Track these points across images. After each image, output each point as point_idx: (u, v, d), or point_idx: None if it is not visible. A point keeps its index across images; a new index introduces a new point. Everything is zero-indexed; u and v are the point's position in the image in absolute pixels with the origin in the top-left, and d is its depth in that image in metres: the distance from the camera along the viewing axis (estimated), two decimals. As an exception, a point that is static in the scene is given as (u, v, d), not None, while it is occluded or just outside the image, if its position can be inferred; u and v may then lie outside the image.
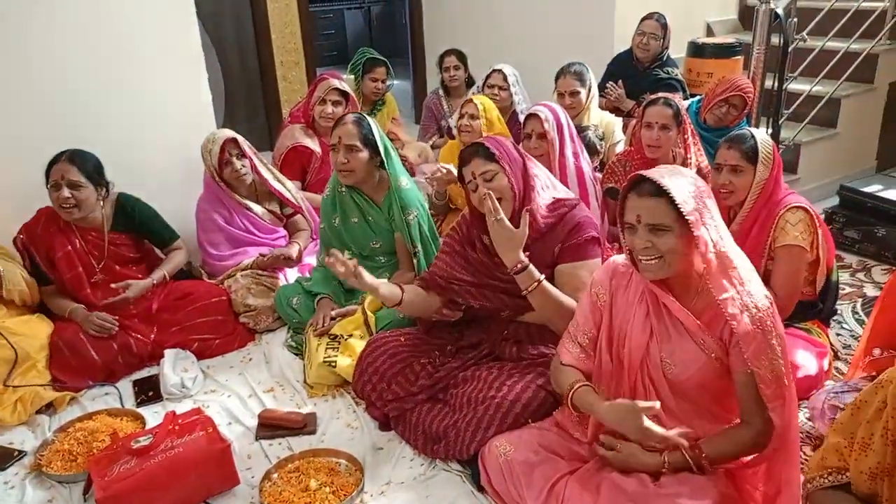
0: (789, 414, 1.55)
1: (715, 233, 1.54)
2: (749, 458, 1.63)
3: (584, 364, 1.77)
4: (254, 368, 2.54)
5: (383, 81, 4.07)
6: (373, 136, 2.47)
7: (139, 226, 2.65)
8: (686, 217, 1.49)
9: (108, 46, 2.84)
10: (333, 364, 2.31)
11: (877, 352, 2.03)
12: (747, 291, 1.53)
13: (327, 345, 2.36)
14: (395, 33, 7.95)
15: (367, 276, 1.98)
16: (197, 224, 2.92)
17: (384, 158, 2.50)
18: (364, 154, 2.47)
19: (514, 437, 1.83)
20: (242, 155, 2.87)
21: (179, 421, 1.99)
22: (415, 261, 2.58)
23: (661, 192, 1.52)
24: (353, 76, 4.04)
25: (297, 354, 2.56)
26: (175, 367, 2.42)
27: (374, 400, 2.18)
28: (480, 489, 1.87)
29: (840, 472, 1.29)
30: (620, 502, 1.58)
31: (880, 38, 3.84)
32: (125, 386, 2.44)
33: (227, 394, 2.39)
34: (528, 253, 1.94)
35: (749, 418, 1.58)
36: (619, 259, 1.76)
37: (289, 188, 3.06)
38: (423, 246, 2.57)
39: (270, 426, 2.16)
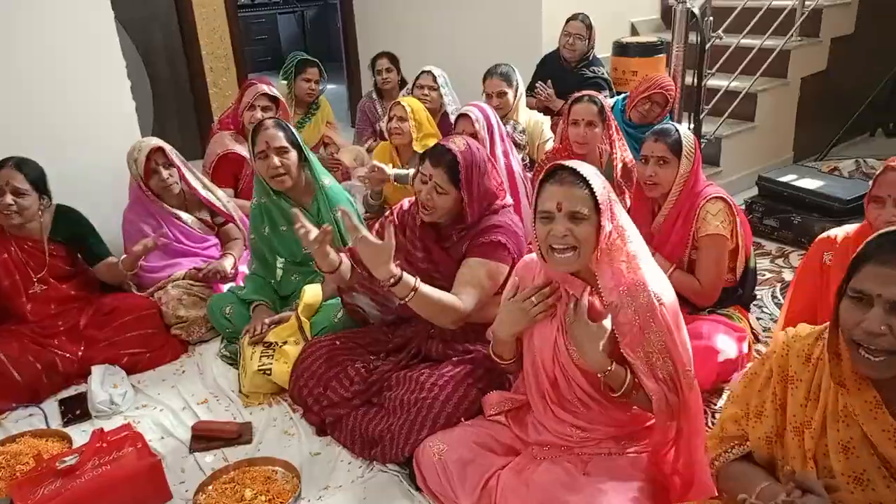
0: (682, 407, 1.60)
1: (618, 226, 1.59)
2: (659, 440, 1.66)
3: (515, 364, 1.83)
4: (187, 381, 2.49)
5: (317, 82, 4.04)
6: (295, 136, 2.47)
7: (76, 238, 2.58)
8: (600, 206, 1.55)
9: (27, 57, 2.76)
10: (269, 371, 2.29)
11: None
12: (636, 284, 1.56)
13: (262, 353, 2.34)
14: (328, 37, 7.91)
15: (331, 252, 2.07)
16: (124, 235, 2.84)
17: (308, 158, 2.51)
18: (294, 155, 2.46)
19: (447, 436, 1.85)
20: (169, 164, 2.82)
21: (107, 438, 1.94)
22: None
23: (581, 181, 1.56)
24: (285, 81, 4.00)
25: (231, 364, 2.52)
26: (103, 384, 2.36)
27: (311, 405, 2.17)
28: (419, 488, 1.88)
29: (742, 443, 1.36)
30: (551, 491, 1.62)
31: (791, 35, 4.03)
32: (51, 406, 2.36)
33: (160, 408, 2.34)
34: (447, 244, 1.97)
35: None
36: (528, 258, 1.80)
37: (219, 197, 3.01)
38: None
39: (205, 438, 2.13)
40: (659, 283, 1.60)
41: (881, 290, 1.10)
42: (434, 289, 1.92)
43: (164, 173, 2.79)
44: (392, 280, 1.84)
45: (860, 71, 4.57)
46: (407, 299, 1.87)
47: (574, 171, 1.57)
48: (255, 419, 2.24)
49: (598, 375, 1.59)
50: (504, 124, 3.30)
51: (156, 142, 2.81)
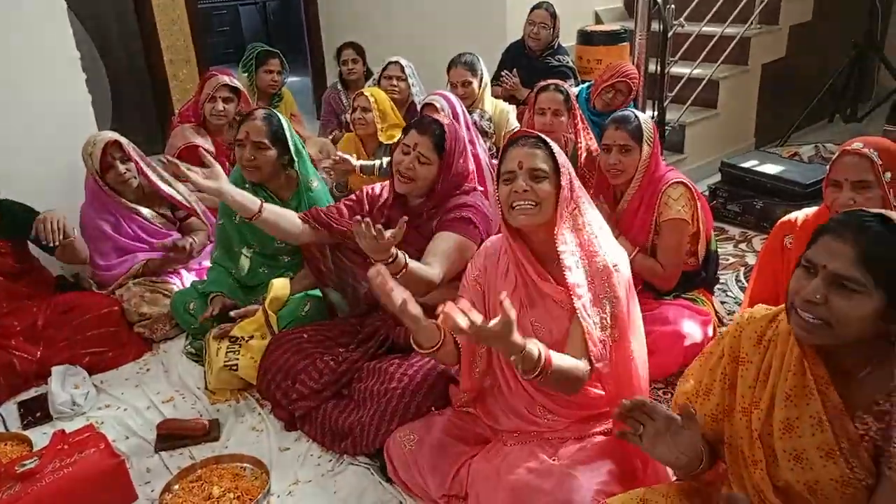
0: (622, 380, 1.64)
1: (576, 196, 1.64)
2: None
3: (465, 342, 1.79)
4: (151, 379, 2.44)
5: (279, 73, 3.98)
6: (283, 133, 2.40)
7: (21, 230, 2.49)
8: (560, 167, 1.61)
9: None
10: (235, 367, 2.26)
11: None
12: (592, 249, 1.62)
13: (227, 348, 2.30)
14: (292, 29, 7.78)
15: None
16: (82, 232, 2.76)
17: (294, 158, 2.45)
18: (272, 152, 2.40)
19: (417, 426, 1.85)
20: (126, 158, 2.74)
21: (69, 440, 1.89)
22: (321, 264, 2.53)
23: (541, 143, 1.65)
24: (245, 73, 3.93)
25: (196, 361, 2.48)
26: (64, 385, 2.30)
27: (280, 399, 2.15)
28: (389, 480, 1.88)
29: None
30: (521, 478, 1.62)
31: (751, 23, 4.09)
32: (9, 408, 2.30)
33: (124, 407, 2.29)
34: (418, 222, 2.00)
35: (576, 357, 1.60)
36: (489, 242, 1.81)
37: (180, 190, 2.94)
38: (331, 247, 2.54)
39: (170, 437, 2.09)
40: (613, 252, 1.65)
41: (827, 261, 1.14)
42: (417, 263, 1.91)
43: (121, 168, 2.71)
44: (388, 261, 1.80)
45: (818, 58, 4.66)
46: (396, 277, 1.82)
47: (535, 136, 1.66)
48: (222, 416, 2.20)
49: (511, 359, 1.46)
50: (470, 113, 3.30)
51: (111, 135, 2.73)
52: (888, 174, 1.79)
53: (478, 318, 1.36)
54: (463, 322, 1.35)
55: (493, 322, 1.35)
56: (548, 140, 1.65)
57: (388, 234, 1.75)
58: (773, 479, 1.25)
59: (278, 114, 2.48)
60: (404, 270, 1.85)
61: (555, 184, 1.62)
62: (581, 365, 1.57)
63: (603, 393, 1.74)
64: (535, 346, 1.44)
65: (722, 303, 2.75)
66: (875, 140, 1.86)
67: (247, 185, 2.51)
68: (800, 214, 2.08)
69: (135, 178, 2.78)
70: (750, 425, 1.27)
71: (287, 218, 2.16)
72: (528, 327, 1.70)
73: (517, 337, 1.40)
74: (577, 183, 1.66)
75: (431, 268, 1.94)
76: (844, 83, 4.72)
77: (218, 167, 2.07)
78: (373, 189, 2.27)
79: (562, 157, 1.64)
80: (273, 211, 2.12)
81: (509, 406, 1.79)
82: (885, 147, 1.82)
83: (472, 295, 1.80)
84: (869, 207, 1.79)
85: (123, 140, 2.75)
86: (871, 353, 1.15)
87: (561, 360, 1.52)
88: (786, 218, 2.10)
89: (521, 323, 1.69)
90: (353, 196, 2.30)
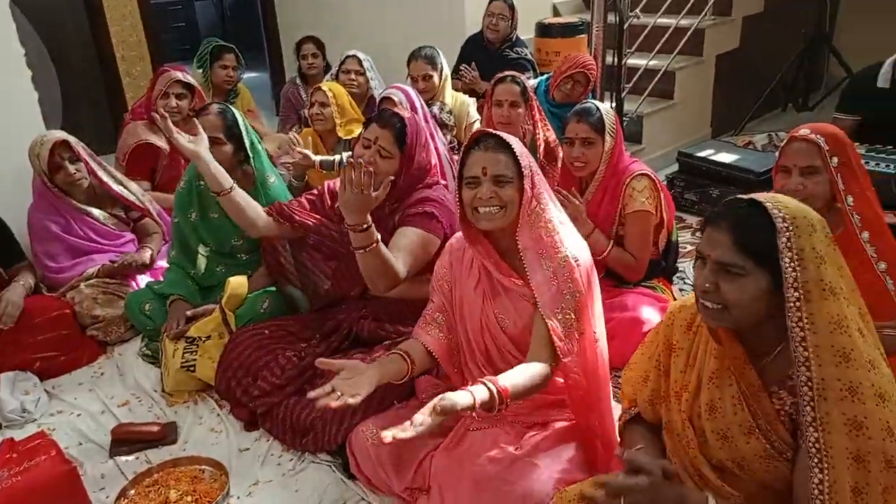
0: (588, 369, 1.63)
1: (538, 193, 1.63)
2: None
3: (442, 344, 1.77)
4: (106, 383, 2.39)
5: (234, 68, 3.91)
6: (238, 128, 2.35)
7: None
8: (523, 170, 1.59)
9: None
10: (192, 368, 2.22)
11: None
12: (554, 246, 1.61)
13: (184, 348, 2.25)
14: (250, 25, 7.66)
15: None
16: (30, 235, 2.68)
17: (250, 153, 2.40)
18: (227, 148, 2.35)
19: (379, 421, 1.83)
20: (76, 158, 2.66)
21: (18, 448, 1.83)
22: (282, 259, 2.50)
23: (504, 147, 1.62)
24: (200, 69, 3.85)
25: (153, 363, 2.43)
26: (14, 391, 2.23)
27: (240, 396, 2.11)
28: (351, 477, 1.86)
29: (633, 405, 1.46)
30: (484, 468, 1.62)
31: (705, 14, 4.15)
32: (-44, 418, 2.22)
33: (77, 413, 2.23)
34: (379, 216, 1.97)
35: (538, 356, 1.59)
36: (457, 237, 1.80)
37: (133, 191, 2.87)
38: (292, 243, 2.50)
39: (126, 441, 2.04)
40: (575, 245, 1.65)
41: (711, 251, 1.20)
42: (386, 249, 1.87)
43: (70, 168, 2.63)
44: (364, 227, 1.76)
45: (771, 48, 4.76)
46: (365, 250, 1.79)
47: (498, 138, 1.63)
48: (179, 418, 2.17)
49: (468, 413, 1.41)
50: (430, 106, 3.28)
51: (60, 135, 2.65)
52: (835, 159, 1.83)
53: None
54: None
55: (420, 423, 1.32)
56: (511, 142, 1.62)
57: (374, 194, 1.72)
58: (706, 457, 1.31)
59: (233, 108, 2.43)
60: (374, 245, 1.79)
61: (518, 186, 1.61)
62: (540, 370, 1.55)
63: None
64: (483, 389, 1.42)
65: (681, 290, 2.79)
66: (821, 126, 1.90)
67: (201, 184, 2.47)
68: None
69: (85, 178, 2.70)
70: (680, 408, 1.33)
71: (253, 206, 2.14)
72: (492, 319, 1.70)
73: (463, 402, 1.36)
74: (538, 178, 1.65)
75: (396, 261, 1.93)
76: (796, 73, 4.83)
77: (205, 137, 2.06)
78: (334, 184, 2.25)
79: (525, 160, 1.62)
80: (243, 196, 2.10)
81: None
82: (831, 133, 1.86)
83: (440, 296, 1.79)
84: (817, 192, 1.85)
85: (72, 140, 2.67)
86: (782, 329, 1.19)
87: (517, 378, 1.50)
88: None
89: (485, 315, 1.71)
90: (314, 191, 2.28)
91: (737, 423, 1.24)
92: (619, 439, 1.57)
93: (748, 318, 1.20)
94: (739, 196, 1.24)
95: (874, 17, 5.01)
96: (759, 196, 1.20)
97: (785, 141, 1.92)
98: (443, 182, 2.23)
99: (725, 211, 1.22)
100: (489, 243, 1.69)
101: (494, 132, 1.65)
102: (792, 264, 1.13)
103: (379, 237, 1.81)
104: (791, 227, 1.14)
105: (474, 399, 1.38)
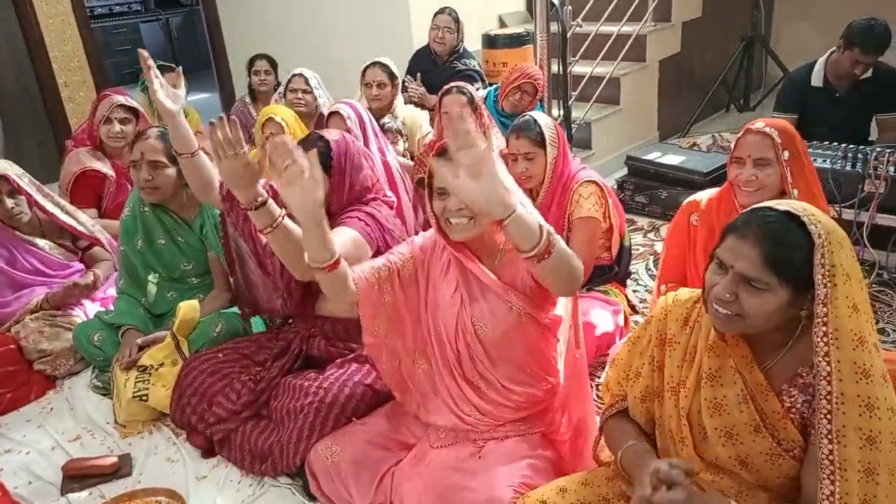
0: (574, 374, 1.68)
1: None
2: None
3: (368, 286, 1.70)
4: (55, 418, 2.31)
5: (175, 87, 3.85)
6: None
7: None
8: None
9: None
10: (145, 397, 2.16)
11: (663, 288, 2.23)
12: None
13: (136, 378, 2.20)
14: (198, 45, 7.60)
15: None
16: (-29, 269, 2.59)
17: None
18: (171, 171, 2.32)
19: (338, 438, 1.82)
20: (15, 191, 2.58)
21: (-38, 492, 1.77)
22: (232, 280, 2.47)
23: None
24: (143, 91, 3.78)
25: (104, 395, 2.36)
26: (-43, 433, 2.15)
27: (196, 423, 2.07)
28: (312, 498, 1.84)
29: (623, 400, 1.45)
30: (445, 478, 1.62)
31: (646, 21, 4.26)
32: None
33: (26, 451, 2.15)
34: None
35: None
36: (418, 239, 1.79)
37: (82, 220, 2.79)
38: (239, 263, 2.47)
39: (77, 477, 1.98)
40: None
41: (734, 262, 1.18)
42: (297, 227, 1.69)
43: (9, 203, 2.55)
44: (256, 202, 1.64)
45: (711, 51, 4.90)
46: (270, 229, 1.66)
47: None
48: (134, 450, 2.11)
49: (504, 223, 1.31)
50: (379, 118, 3.28)
51: (-2, 167, 2.57)
52: (786, 152, 1.92)
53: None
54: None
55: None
56: None
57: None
58: (700, 454, 1.30)
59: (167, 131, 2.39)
60: (280, 222, 1.66)
61: None
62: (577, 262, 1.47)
63: (542, 395, 1.75)
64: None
65: (633, 291, 2.84)
66: (775, 121, 1.98)
67: (145, 210, 2.42)
68: (703, 195, 2.18)
69: (25, 213, 2.62)
70: (677, 404, 1.32)
71: (212, 172, 2.05)
72: (468, 325, 1.69)
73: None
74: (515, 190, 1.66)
75: None
76: (736, 75, 4.98)
77: (182, 89, 2.00)
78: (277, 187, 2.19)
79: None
80: (204, 160, 2.03)
81: (445, 398, 1.76)
82: (784, 127, 1.95)
83: (394, 262, 1.72)
84: (768, 183, 1.92)
85: (12, 172, 2.58)
86: (789, 332, 1.21)
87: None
88: (691, 199, 2.20)
89: (461, 321, 1.70)
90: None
91: (743, 420, 1.24)
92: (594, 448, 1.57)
93: (761, 327, 1.20)
94: (770, 206, 1.21)
95: (806, 18, 5.22)
96: (793, 207, 1.18)
97: (741, 133, 1.99)
98: (389, 196, 2.19)
99: (753, 221, 1.19)
100: (467, 248, 1.68)
101: None
102: (824, 280, 1.12)
103: (284, 213, 1.67)
104: (825, 244, 1.13)
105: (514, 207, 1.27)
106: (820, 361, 1.14)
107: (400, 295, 1.73)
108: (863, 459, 1.11)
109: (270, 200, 1.67)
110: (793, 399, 1.22)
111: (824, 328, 1.13)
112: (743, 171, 1.96)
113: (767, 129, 1.93)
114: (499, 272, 1.68)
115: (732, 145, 2.03)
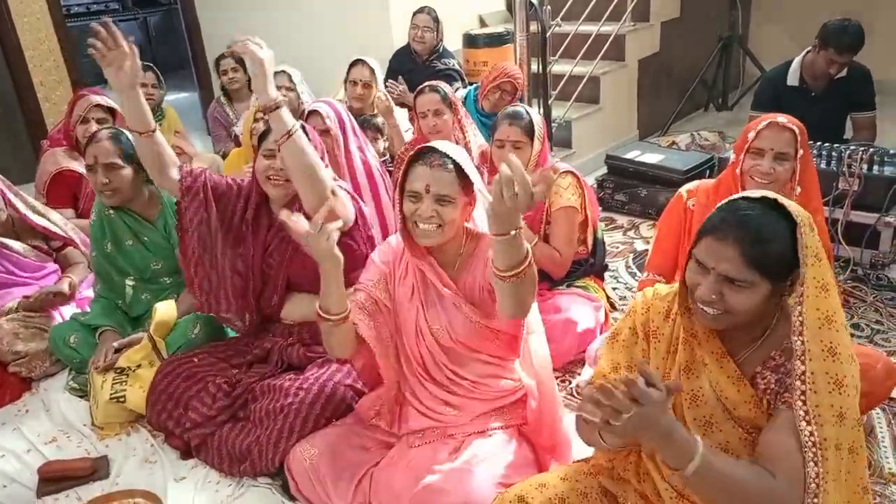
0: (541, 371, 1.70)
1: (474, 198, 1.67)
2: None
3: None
4: (31, 420, 2.28)
5: (154, 86, 3.82)
6: (133, 150, 2.30)
7: None
8: (475, 190, 1.60)
9: None
10: (122, 399, 2.14)
11: (646, 274, 2.23)
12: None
13: (113, 379, 2.18)
14: (177, 45, 7.52)
15: None
16: (-57, 272, 2.55)
17: None
18: (127, 171, 2.31)
19: (317, 440, 1.81)
20: (-12, 192, 2.55)
21: (-65, 496, 1.74)
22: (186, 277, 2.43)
23: (449, 163, 1.60)
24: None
25: (81, 396, 2.34)
26: (-70, 437, 2.11)
27: (172, 428, 2.05)
28: (292, 498, 1.83)
29: None
30: (422, 476, 1.62)
31: (625, 20, 4.29)
32: None
33: (1, 454, 2.12)
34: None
35: None
36: (377, 255, 1.79)
37: (54, 220, 2.76)
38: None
39: (54, 480, 1.96)
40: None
41: (715, 263, 1.21)
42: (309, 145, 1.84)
43: (-19, 204, 2.52)
44: (272, 107, 1.75)
45: (689, 51, 4.94)
46: (282, 140, 1.78)
47: (443, 154, 1.61)
48: (112, 452, 2.09)
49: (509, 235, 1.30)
50: (359, 116, 3.27)
51: (-31, 168, 2.53)
52: (801, 150, 1.96)
53: None
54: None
55: None
56: (456, 158, 1.60)
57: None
58: None
59: (125, 130, 2.37)
60: (294, 129, 1.78)
61: (460, 204, 1.61)
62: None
63: (514, 383, 1.77)
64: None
65: (613, 289, 2.86)
66: (794, 119, 2.00)
67: (110, 213, 2.39)
68: (700, 183, 2.19)
69: (1, 210, 2.59)
70: None
71: (169, 153, 2.03)
72: (425, 328, 1.70)
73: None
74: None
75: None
76: (714, 74, 5.04)
77: (139, 70, 1.89)
78: (243, 180, 2.18)
79: (474, 176, 1.61)
80: (161, 140, 2.00)
81: (418, 399, 1.77)
82: (801, 126, 1.98)
83: (370, 290, 1.73)
84: (782, 178, 1.94)
85: (-16, 172, 2.56)
86: (767, 319, 1.26)
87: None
88: (687, 187, 2.20)
89: (419, 324, 1.71)
90: (228, 179, 2.19)
91: (721, 410, 1.28)
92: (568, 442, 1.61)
93: (747, 318, 1.23)
94: (745, 196, 1.24)
95: (782, 18, 5.29)
96: (767, 194, 1.22)
97: (764, 125, 1.99)
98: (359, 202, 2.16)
99: (730, 220, 1.21)
100: (429, 254, 1.69)
101: (440, 148, 1.62)
102: (805, 261, 1.16)
103: (298, 124, 1.80)
104: (802, 225, 1.17)
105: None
106: (796, 340, 1.18)
107: (387, 318, 1.75)
108: (836, 437, 1.14)
109: (285, 108, 1.78)
110: (766, 380, 1.25)
111: (800, 307, 1.17)
112: (762, 162, 1.97)
113: (791, 125, 1.96)
114: (456, 279, 1.68)
115: (750, 135, 1.99)
